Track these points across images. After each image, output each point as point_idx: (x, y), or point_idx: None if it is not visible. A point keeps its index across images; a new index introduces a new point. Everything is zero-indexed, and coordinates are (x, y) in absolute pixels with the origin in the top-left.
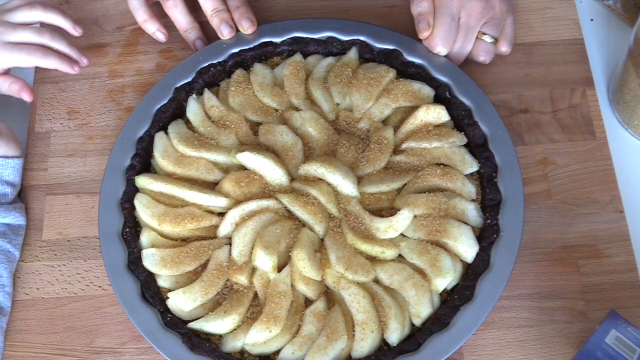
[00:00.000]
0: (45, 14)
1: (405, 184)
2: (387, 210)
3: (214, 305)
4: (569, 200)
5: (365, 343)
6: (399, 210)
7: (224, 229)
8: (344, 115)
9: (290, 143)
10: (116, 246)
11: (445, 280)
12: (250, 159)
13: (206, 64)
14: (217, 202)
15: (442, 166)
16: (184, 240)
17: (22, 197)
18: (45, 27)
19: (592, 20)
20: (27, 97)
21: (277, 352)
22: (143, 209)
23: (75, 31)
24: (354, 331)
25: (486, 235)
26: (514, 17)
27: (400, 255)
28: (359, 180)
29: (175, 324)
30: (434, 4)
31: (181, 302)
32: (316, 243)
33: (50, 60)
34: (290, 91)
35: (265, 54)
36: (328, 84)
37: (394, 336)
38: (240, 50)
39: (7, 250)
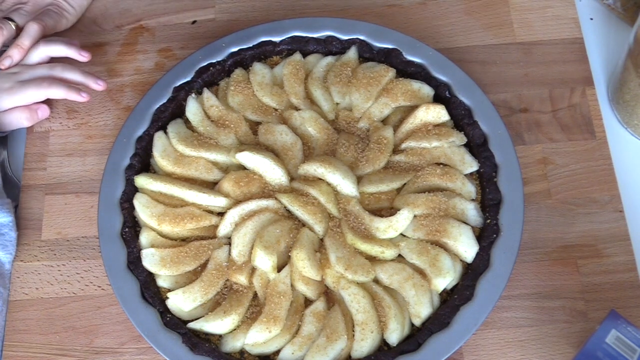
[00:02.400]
0: (48, 47)
1: (405, 184)
2: (387, 210)
3: (214, 306)
4: (568, 200)
5: (365, 343)
6: (398, 210)
7: (223, 229)
8: (344, 115)
9: (290, 143)
10: (115, 246)
11: (445, 280)
12: (249, 159)
13: (205, 63)
14: (216, 201)
15: (441, 166)
16: (184, 240)
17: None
18: (57, 60)
19: (591, 19)
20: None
21: (277, 352)
22: (142, 209)
23: (81, 57)
24: (353, 331)
25: (486, 235)
26: None
27: (400, 255)
28: (359, 180)
29: (175, 324)
30: None
31: (181, 302)
32: (316, 243)
33: (56, 90)
34: (289, 90)
35: (265, 53)
36: (327, 84)
37: (394, 336)
38: (240, 49)
39: None
